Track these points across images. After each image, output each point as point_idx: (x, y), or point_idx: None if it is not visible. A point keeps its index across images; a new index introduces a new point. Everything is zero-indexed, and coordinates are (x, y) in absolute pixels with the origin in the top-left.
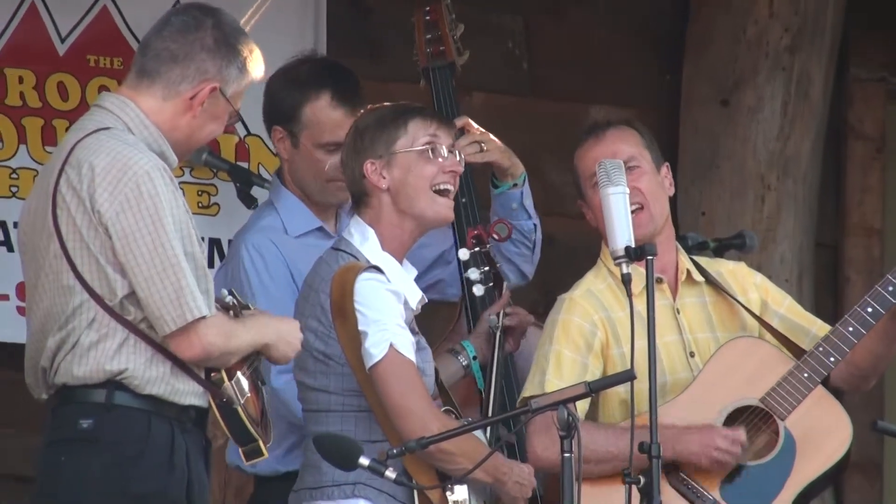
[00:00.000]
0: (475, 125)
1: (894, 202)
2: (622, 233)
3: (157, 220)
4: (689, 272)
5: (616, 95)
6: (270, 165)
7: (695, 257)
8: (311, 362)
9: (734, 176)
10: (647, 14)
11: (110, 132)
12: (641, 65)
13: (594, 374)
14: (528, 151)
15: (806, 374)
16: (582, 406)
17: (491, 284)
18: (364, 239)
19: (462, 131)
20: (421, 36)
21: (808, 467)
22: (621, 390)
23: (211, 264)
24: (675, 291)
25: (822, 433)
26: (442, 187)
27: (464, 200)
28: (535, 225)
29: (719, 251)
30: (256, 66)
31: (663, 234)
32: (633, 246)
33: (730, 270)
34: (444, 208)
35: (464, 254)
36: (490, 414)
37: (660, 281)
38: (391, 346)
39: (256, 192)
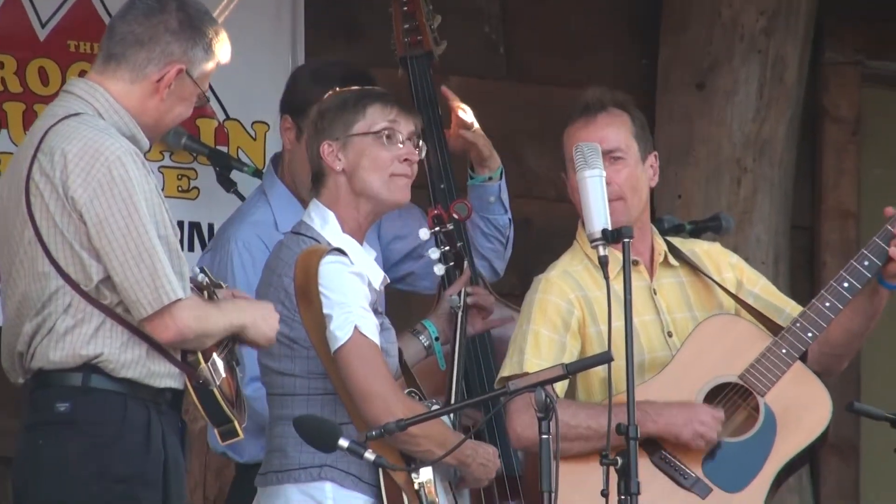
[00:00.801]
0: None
1: (869, 185)
2: (598, 216)
3: (130, 205)
4: (665, 253)
5: (592, 80)
6: (249, 149)
7: (669, 238)
8: (275, 346)
9: (710, 159)
10: None
11: (81, 118)
12: (618, 49)
13: (572, 353)
14: (505, 135)
15: (784, 350)
16: (561, 386)
17: (452, 264)
18: (324, 222)
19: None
20: (399, 26)
21: (790, 442)
22: (600, 369)
23: (191, 248)
24: (651, 273)
25: (801, 408)
26: (397, 174)
27: (442, 186)
28: (509, 220)
29: (696, 234)
30: (222, 47)
31: (640, 220)
32: (609, 228)
33: (704, 250)
34: (398, 191)
35: (424, 234)
36: (453, 394)
37: (636, 263)
38: (356, 328)
39: (236, 175)
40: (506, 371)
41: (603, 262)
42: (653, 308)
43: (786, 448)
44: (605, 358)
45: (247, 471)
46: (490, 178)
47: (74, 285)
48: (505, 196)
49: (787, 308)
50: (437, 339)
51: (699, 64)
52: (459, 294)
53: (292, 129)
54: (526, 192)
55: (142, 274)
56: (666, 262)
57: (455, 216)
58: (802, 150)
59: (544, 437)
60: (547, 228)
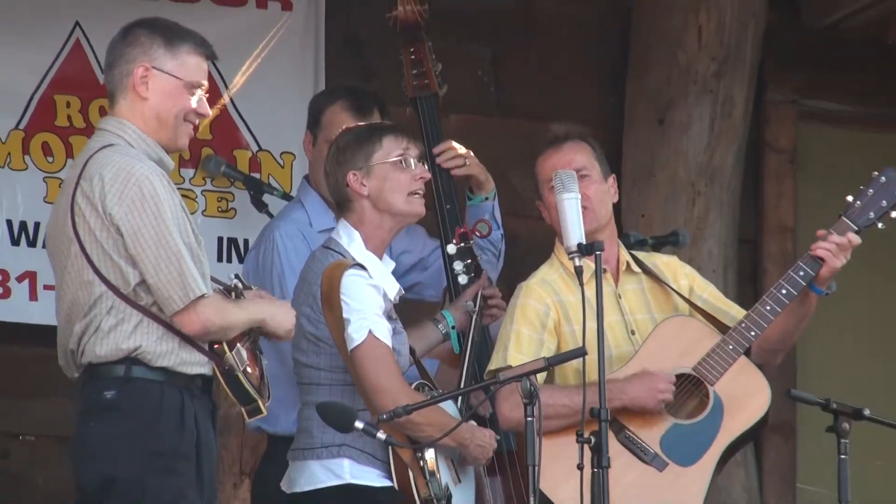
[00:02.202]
0: (459, 146)
1: (805, 205)
2: (574, 232)
3: (158, 217)
4: (628, 263)
5: (569, 116)
6: (278, 176)
7: (633, 252)
8: (304, 343)
9: (669, 183)
10: (596, 47)
11: (114, 147)
12: (591, 90)
13: (549, 348)
14: (496, 163)
15: (731, 346)
16: (541, 376)
17: (473, 275)
18: (351, 240)
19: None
20: (408, 71)
21: (735, 424)
22: (575, 362)
23: (229, 260)
24: (616, 280)
25: (745, 396)
26: (414, 191)
27: (448, 207)
28: (501, 235)
29: (657, 247)
30: (186, 40)
31: (607, 232)
32: (584, 243)
33: (664, 262)
34: (417, 205)
35: (451, 249)
36: (463, 384)
37: (604, 271)
38: (370, 332)
39: (267, 198)
40: (493, 365)
41: (578, 272)
42: (618, 310)
43: (731, 429)
44: (580, 352)
45: (277, 443)
46: (486, 199)
47: (115, 290)
48: (498, 214)
49: (731, 311)
50: (453, 327)
51: (659, 102)
52: (475, 299)
53: (310, 140)
54: (513, 212)
55: (171, 274)
56: (629, 269)
57: (477, 234)
58: (747, 176)
59: (529, 419)
60: (531, 242)
